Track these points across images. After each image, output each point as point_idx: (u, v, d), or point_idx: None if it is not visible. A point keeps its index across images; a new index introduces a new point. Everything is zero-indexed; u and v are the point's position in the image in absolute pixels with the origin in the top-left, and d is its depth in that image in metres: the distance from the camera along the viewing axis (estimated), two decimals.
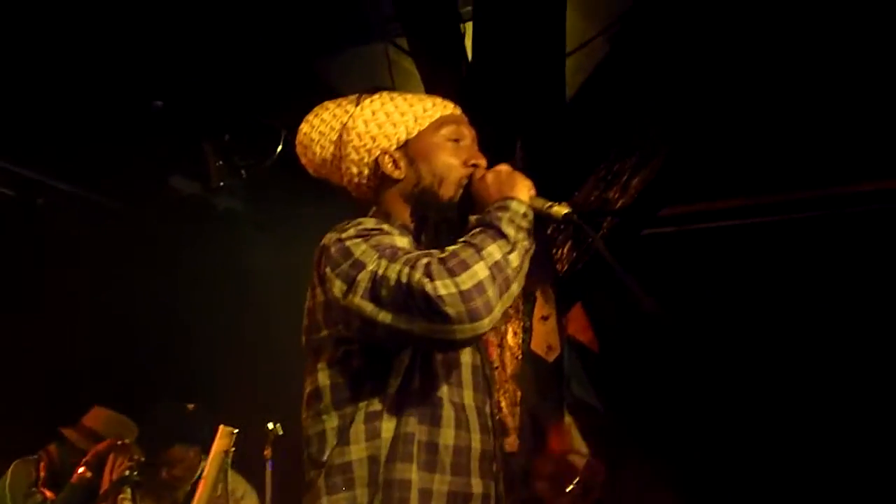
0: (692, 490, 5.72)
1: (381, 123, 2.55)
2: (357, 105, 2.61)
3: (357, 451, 2.30)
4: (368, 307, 2.22)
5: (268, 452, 4.74)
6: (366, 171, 2.58)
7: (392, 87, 5.14)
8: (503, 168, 2.45)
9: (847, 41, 5.08)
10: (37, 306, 6.66)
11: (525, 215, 2.31)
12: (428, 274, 2.15)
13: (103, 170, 6.69)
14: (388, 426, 2.30)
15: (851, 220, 5.99)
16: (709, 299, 6.10)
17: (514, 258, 2.25)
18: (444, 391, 2.38)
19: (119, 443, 5.02)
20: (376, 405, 2.31)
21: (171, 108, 6.17)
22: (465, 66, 4.98)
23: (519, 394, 4.55)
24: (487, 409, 2.50)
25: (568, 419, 4.14)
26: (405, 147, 2.54)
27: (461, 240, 2.27)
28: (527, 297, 4.66)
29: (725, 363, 6.00)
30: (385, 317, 2.19)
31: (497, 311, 2.19)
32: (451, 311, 2.13)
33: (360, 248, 2.28)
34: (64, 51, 5.69)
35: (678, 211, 6.11)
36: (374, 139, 2.55)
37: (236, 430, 4.67)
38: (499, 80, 4.83)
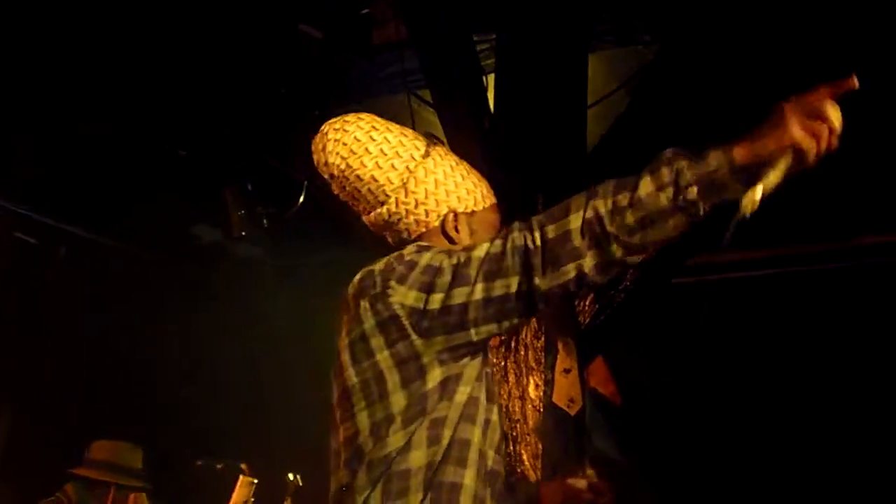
0: None
1: (457, 184, 2.59)
2: (429, 147, 2.60)
3: (417, 457, 2.29)
4: (457, 295, 2.22)
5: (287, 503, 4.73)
6: (421, 217, 2.56)
7: None
8: None
9: (873, 92, 5.08)
10: (57, 352, 6.68)
11: None
12: (527, 228, 2.18)
13: (125, 218, 6.73)
14: (447, 433, 2.30)
15: (872, 272, 5.97)
16: (729, 350, 6.07)
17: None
18: (493, 415, 2.41)
19: (133, 496, 5.02)
20: (442, 412, 2.31)
21: (193, 158, 6.21)
22: (487, 118, 5.00)
23: (541, 446, 4.52)
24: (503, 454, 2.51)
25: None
26: (471, 216, 2.58)
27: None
28: (549, 349, 4.64)
29: (748, 414, 5.97)
30: (478, 293, 2.20)
31: (586, 261, 2.14)
32: (535, 260, 2.14)
33: (424, 257, 2.31)
34: (88, 101, 5.73)
35: (700, 261, 6.09)
36: (447, 194, 2.56)
37: (256, 481, 4.66)
38: (521, 132, 4.84)
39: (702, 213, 2.14)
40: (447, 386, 2.32)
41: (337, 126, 2.62)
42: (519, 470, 4.47)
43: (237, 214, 6.22)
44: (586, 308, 4.76)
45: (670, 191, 2.12)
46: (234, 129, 5.91)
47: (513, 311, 2.24)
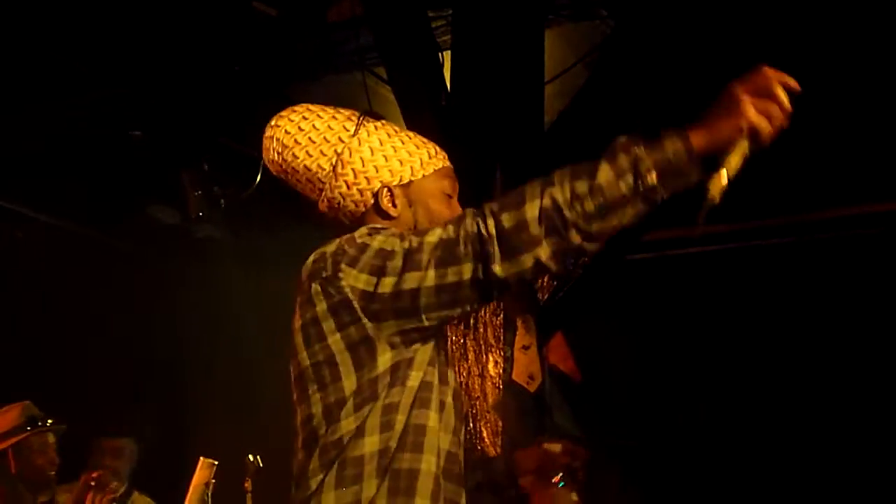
0: None
1: (388, 156, 2.51)
2: (359, 125, 2.55)
3: (371, 443, 2.26)
4: (409, 280, 2.19)
5: (248, 484, 4.71)
6: (357, 197, 2.52)
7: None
8: None
9: (825, 69, 5.11)
10: (13, 335, 6.63)
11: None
12: (481, 215, 2.15)
13: (82, 200, 6.67)
14: (401, 418, 2.27)
15: (827, 245, 6.02)
16: (688, 325, 6.10)
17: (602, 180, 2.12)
18: (448, 397, 2.36)
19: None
20: (394, 397, 2.28)
21: (149, 138, 6.16)
22: (443, 94, 4.98)
23: (500, 423, 4.53)
24: (461, 435, 2.47)
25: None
26: (407, 187, 2.50)
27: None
28: (508, 326, 4.64)
29: (707, 388, 6.00)
30: (430, 279, 2.17)
31: (543, 249, 2.13)
32: (491, 248, 2.12)
33: (376, 240, 2.27)
34: (41, 82, 5.68)
35: (658, 237, 6.11)
36: (377, 169, 2.50)
37: (216, 462, 4.64)
38: (478, 108, 4.83)
39: (660, 199, 2.15)
40: (398, 370, 2.29)
41: (272, 123, 2.61)
42: (479, 447, 4.48)
43: (194, 195, 6.18)
44: (545, 284, 4.77)
45: (630, 178, 2.11)
46: (190, 109, 5.87)
47: (466, 299, 2.23)
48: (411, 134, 2.61)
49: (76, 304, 6.85)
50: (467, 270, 2.16)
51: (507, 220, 2.14)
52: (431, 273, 2.18)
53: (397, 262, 2.21)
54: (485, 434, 4.53)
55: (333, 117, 2.58)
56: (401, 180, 2.50)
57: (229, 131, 5.91)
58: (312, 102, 2.67)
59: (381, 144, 2.52)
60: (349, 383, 2.30)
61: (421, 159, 2.52)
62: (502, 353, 4.62)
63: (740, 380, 5.97)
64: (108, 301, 6.94)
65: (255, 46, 5.47)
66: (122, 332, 6.97)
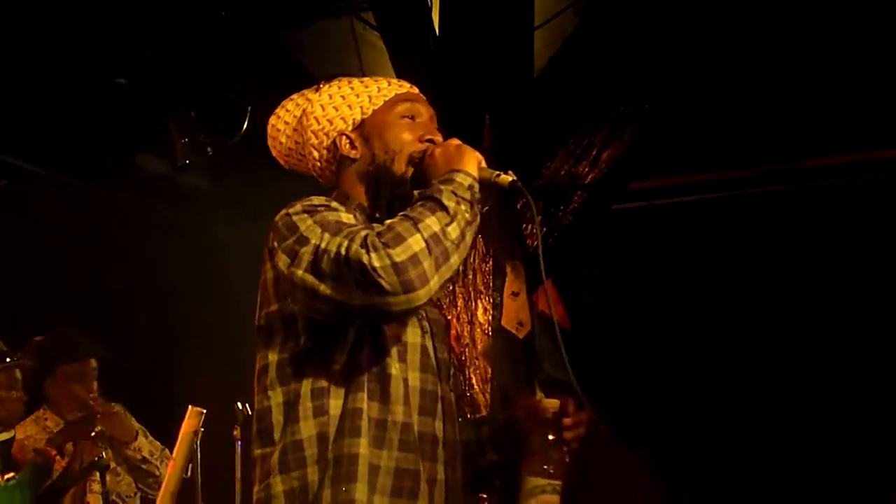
0: (662, 468, 5.73)
1: (337, 106, 2.59)
2: (316, 92, 2.66)
3: (306, 428, 2.32)
4: (310, 279, 2.24)
5: (237, 432, 4.72)
6: (326, 155, 2.61)
7: (359, 62, 5.14)
8: (452, 142, 2.47)
9: (816, 15, 5.09)
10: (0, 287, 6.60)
11: (470, 187, 2.34)
12: (364, 245, 2.18)
13: (67, 149, 6.63)
14: (335, 403, 2.32)
15: (818, 194, 6.01)
16: (678, 274, 6.11)
17: (454, 230, 2.26)
18: (393, 369, 2.39)
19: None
20: (323, 382, 2.33)
21: (135, 86, 6.11)
22: (432, 40, 4.95)
23: (490, 371, 4.54)
24: (438, 392, 2.48)
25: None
26: (361, 127, 2.57)
27: (401, 213, 2.29)
28: (497, 273, 4.64)
29: (696, 339, 6.01)
30: (325, 289, 2.22)
31: (434, 283, 2.22)
32: (384, 283, 2.15)
33: (305, 223, 2.31)
34: (25, 30, 5.62)
35: (648, 185, 6.11)
36: (331, 122, 2.59)
37: (204, 411, 4.64)
38: (466, 54, 4.81)
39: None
40: (322, 353, 2.35)
41: (268, 132, 2.77)
42: (468, 394, 4.49)
43: (181, 143, 6.16)
44: (534, 231, 4.76)
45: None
46: (177, 56, 5.82)
47: (356, 317, 2.30)
48: (365, 78, 2.68)
49: (62, 254, 6.81)
50: (357, 297, 2.20)
51: (398, 254, 2.19)
52: (326, 286, 2.23)
53: (307, 255, 2.26)
54: (474, 381, 4.53)
55: (301, 94, 2.73)
56: (353, 123, 2.58)
57: (217, 78, 5.87)
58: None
59: (331, 98, 2.62)
60: (273, 352, 2.39)
61: (369, 96, 2.60)
62: (491, 300, 4.62)
63: (730, 328, 5.98)
64: (94, 251, 6.91)
65: None
66: (108, 282, 6.95)
